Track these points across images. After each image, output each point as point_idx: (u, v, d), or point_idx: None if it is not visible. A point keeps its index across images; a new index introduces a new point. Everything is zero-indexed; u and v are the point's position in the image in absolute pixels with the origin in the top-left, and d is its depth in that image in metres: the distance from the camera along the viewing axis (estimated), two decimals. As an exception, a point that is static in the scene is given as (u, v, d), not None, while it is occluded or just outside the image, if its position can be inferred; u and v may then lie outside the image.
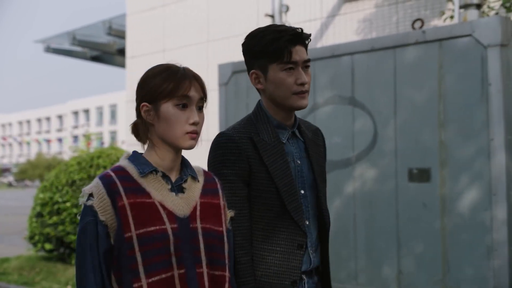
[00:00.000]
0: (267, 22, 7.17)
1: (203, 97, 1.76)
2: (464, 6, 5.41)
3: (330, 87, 5.88)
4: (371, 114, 5.51)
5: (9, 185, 60.73)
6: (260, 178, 1.99)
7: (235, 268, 1.95)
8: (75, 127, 67.27)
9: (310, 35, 2.08)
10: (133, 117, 1.81)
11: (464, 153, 5.03)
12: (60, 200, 7.66)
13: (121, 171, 1.71)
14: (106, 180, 1.67)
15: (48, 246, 7.85)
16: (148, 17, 10.69)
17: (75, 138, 66.00)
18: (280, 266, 1.99)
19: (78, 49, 15.07)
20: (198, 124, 1.73)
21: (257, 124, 2.05)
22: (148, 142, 1.77)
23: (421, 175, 5.27)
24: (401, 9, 7.30)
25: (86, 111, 67.40)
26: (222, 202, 1.86)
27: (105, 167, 7.88)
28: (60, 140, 71.46)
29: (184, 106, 1.70)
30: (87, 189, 1.68)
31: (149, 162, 1.73)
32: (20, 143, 76.98)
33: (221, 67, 6.87)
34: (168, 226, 1.66)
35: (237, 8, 9.03)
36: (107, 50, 14.50)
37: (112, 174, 1.69)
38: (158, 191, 1.70)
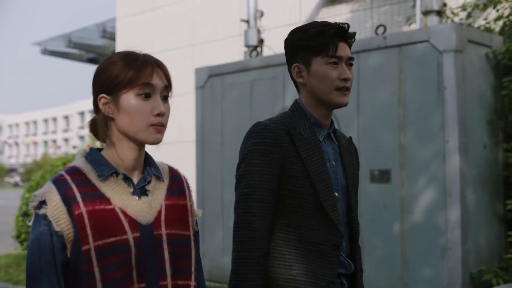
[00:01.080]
0: (244, 27, 7.36)
1: (168, 86, 1.58)
2: (425, 13, 5.57)
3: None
4: (336, 117, 5.68)
5: (15, 185, 61.25)
6: (295, 171, 1.88)
7: (237, 264, 1.86)
8: (81, 127, 67.69)
9: (355, 33, 2.00)
10: None
11: (421, 155, 5.19)
12: (44, 199, 7.88)
13: (77, 174, 1.52)
14: (60, 185, 1.49)
15: (33, 244, 8.09)
16: (137, 21, 10.91)
17: (81, 138, 66.48)
18: (316, 266, 1.88)
19: (74, 51, 15.31)
20: (164, 115, 1.55)
21: (295, 119, 1.97)
22: (107, 139, 1.57)
23: (382, 177, 5.44)
24: (375, 14, 7.47)
25: (92, 112, 67.76)
26: (189, 202, 1.69)
27: (89, 168, 8.09)
28: (66, 140, 71.93)
29: (147, 96, 1.52)
30: (38, 194, 1.50)
31: (109, 162, 1.55)
32: (27, 144, 77.51)
33: (198, 71, 7.08)
34: (129, 235, 1.50)
35: (220, 13, 9.22)
36: (102, 52, 14.73)
37: (67, 177, 1.51)
38: (119, 196, 1.53)
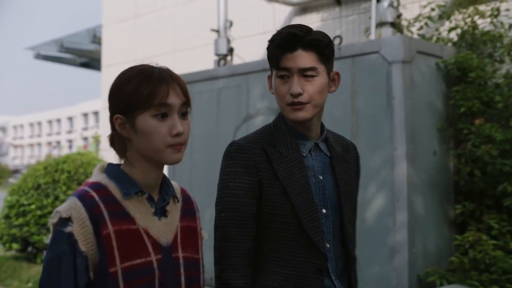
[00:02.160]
0: (215, 36, 7.59)
1: (186, 102, 1.50)
2: (380, 24, 5.79)
3: (261, 98, 6.30)
4: (294, 124, 5.92)
5: (19, 186, 61.68)
6: (272, 193, 1.80)
7: None
8: (85, 129, 68.13)
9: (312, 39, 1.81)
10: (108, 124, 1.61)
11: (373, 163, 5.41)
12: (25, 202, 8.14)
13: (102, 190, 1.45)
14: (88, 202, 1.41)
15: (15, 246, 8.34)
16: (122, 28, 11.18)
17: (85, 139, 66.89)
18: None
19: (67, 55, 15.59)
20: (183, 134, 1.48)
21: (276, 134, 1.87)
22: (126, 157, 1.53)
23: (337, 182, 5.66)
24: (344, 23, 7.68)
25: (96, 113, 68.21)
26: (198, 225, 1.66)
27: (69, 172, 8.34)
28: (70, 141, 72.37)
29: (163, 116, 1.45)
30: (63, 211, 1.41)
31: (133, 180, 1.49)
32: (31, 145, 78.02)
33: (170, 79, 7.31)
34: (153, 257, 1.46)
35: (199, 21, 9.46)
36: (94, 57, 15.00)
37: (94, 194, 1.43)
38: (142, 216, 1.48)
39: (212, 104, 6.81)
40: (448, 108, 5.70)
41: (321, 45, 1.80)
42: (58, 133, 75.16)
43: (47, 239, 1.44)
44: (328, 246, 1.85)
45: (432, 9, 6.25)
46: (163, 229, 1.51)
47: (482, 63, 5.55)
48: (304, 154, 1.87)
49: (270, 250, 1.82)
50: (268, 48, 1.84)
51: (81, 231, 1.39)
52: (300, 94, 1.79)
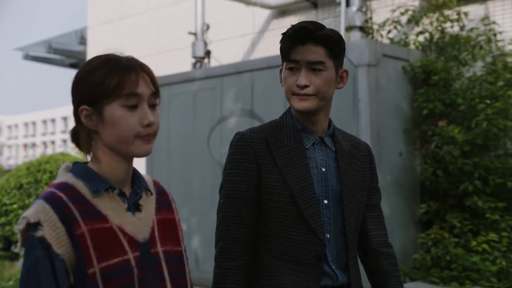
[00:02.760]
0: (191, 39, 7.74)
1: (155, 92, 1.43)
2: (348, 28, 5.95)
3: (234, 100, 6.45)
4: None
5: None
6: (271, 180, 1.84)
7: (216, 274, 1.83)
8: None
9: (322, 34, 1.83)
10: None
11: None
12: (8, 202, 8.27)
13: (69, 190, 1.37)
14: (56, 203, 1.33)
15: (-2, 245, 8.47)
16: (107, 30, 11.31)
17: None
18: (297, 276, 1.82)
19: (56, 56, 15.71)
20: (153, 124, 1.41)
21: (280, 127, 1.91)
22: (92, 153, 1.45)
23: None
24: (342, 22, 7.83)
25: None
26: (176, 216, 1.59)
27: (51, 172, 8.47)
28: (64, 141, 72.35)
29: (133, 107, 1.39)
30: (30, 215, 1.31)
31: (101, 176, 1.41)
32: (25, 145, 77.93)
33: (148, 81, 7.44)
34: (130, 255, 1.39)
35: (180, 23, 9.60)
36: (82, 58, 15.12)
37: (61, 194, 1.35)
38: (115, 213, 1.41)
39: (189, 105, 6.95)
40: (414, 110, 5.85)
41: (330, 41, 1.83)
42: (53, 133, 75.10)
43: (16, 249, 1.35)
44: (328, 236, 1.86)
45: (402, 13, 6.40)
46: (138, 224, 1.44)
47: (447, 66, 5.71)
48: (307, 147, 1.90)
49: (269, 236, 1.85)
50: (281, 41, 1.88)
51: (53, 234, 1.30)
52: (306, 86, 1.82)
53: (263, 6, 8.15)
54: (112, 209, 1.41)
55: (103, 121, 1.39)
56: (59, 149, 70.32)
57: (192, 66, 7.28)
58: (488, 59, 6.05)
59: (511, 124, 5.43)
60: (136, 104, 1.40)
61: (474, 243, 5.21)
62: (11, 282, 7.68)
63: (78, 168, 1.43)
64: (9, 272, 8.10)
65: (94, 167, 1.43)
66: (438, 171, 5.50)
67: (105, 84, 1.37)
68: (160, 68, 9.63)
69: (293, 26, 1.86)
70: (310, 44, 1.82)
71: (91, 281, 1.32)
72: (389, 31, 6.30)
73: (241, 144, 1.87)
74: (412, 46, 6.51)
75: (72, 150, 12.40)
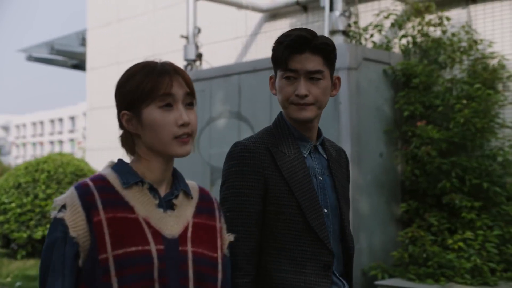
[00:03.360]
0: (179, 43, 7.93)
1: (190, 93, 1.51)
2: (332, 32, 6.12)
3: (223, 103, 6.64)
4: (252, 127, 6.25)
5: (21, 184, 62.16)
6: (278, 191, 1.82)
7: None
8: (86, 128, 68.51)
9: (322, 43, 1.85)
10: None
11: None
12: (6, 201, 8.49)
13: (100, 181, 1.47)
14: (82, 190, 1.43)
15: (-3, 242, 8.70)
16: (105, 32, 11.53)
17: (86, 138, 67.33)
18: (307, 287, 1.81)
19: (58, 57, 15.95)
20: (189, 124, 1.48)
21: (277, 135, 1.89)
22: (135, 153, 1.54)
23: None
24: (326, 26, 8.00)
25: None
26: (218, 224, 1.62)
27: (49, 171, 8.69)
28: (72, 140, 72.83)
29: (168, 106, 1.46)
30: (59, 199, 1.45)
31: (135, 171, 1.50)
32: (34, 144, 78.55)
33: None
34: (153, 247, 1.43)
35: (178, 26, 9.80)
36: (84, 59, 15.34)
37: (90, 183, 1.46)
38: (143, 206, 1.47)
39: (179, 107, 7.15)
40: (395, 112, 6.02)
41: (328, 50, 1.84)
42: (60, 132, 75.61)
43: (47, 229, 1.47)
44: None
45: (386, 17, 6.57)
46: (168, 220, 1.48)
47: (427, 69, 5.87)
48: (305, 155, 1.89)
49: (276, 248, 1.82)
50: (275, 49, 1.86)
51: (72, 218, 1.40)
52: (306, 96, 1.82)
53: (255, 9, 8.33)
54: (140, 202, 1.47)
55: (142, 124, 1.47)
56: (66, 148, 70.92)
57: (183, 68, 7.46)
58: (467, 62, 6.21)
59: (488, 124, 5.59)
60: (171, 104, 1.46)
61: (450, 241, 5.37)
62: (8, 279, 7.90)
63: (117, 164, 1.53)
64: (7, 269, 8.32)
65: (134, 164, 1.52)
66: (416, 171, 5.66)
67: (141, 88, 1.45)
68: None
69: (288, 34, 1.84)
70: (307, 53, 1.82)
71: (101, 266, 1.38)
72: (371, 35, 6.46)
73: (246, 155, 1.83)
74: (397, 50, 6.67)
75: (79, 150, 12.55)
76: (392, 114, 6.01)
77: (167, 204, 1.51)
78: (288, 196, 1.82)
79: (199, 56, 7.54)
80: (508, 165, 5.83)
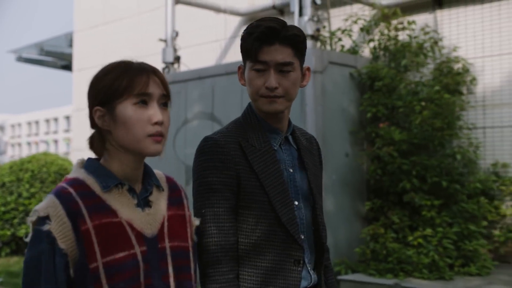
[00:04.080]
0: (162, 45, 8.15)
1: (166, 94, 1.49)
2: (301, 37, 6.34)
3: (197, 104, 6.86)
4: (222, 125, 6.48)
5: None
6: (250, 186, 1.79)
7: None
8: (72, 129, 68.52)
9: (291, 34, 1.80)
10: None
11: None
12: (-10, 199, 8.70)
13: (80, 186, 1.43)
14: (64, 198, 1.39)
15: (-18, 240, 8.90)
16: (92, 34, 11.74)
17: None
18: (276, 285, 1.79)
19: (48, 58, 16.15)
20: (163, 124, 1.46)
21: (247, 128, 1.86)
22: (105, 152, 1.50)
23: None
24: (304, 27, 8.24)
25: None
26: (187, 212, 1.63)
27: (33, 171, 8.89)
28: (68, 139, 72.86)
29: (143, 103, 1.45)
30: (40, 209, 1.38)
31: (112, 173, 1.48)
32: (29, 143, 78.55)
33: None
34: (137, 250, 1.43)
35: (161, 28, 10.03)
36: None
37: (71, 190, 1.41)
38: (124, 208, 1.45)
39: (157, 108, 7.38)
40: (361, 114, 6.25)
41: (298, 41, 1.80)
42: (56, 132, 75.65)
43: (27, 238, 1.40)
44: (302, 237, 1.84)
45: (354, 22, 6.80)
46: (147, 219, 1.48)
47: (391, 72, 6.10)
48: (275, 148, 1.86)
49: (246, 244, 1.80)
50: (244, 40, 1.82)
51: (59, 229, 1.36)
52: (276, 88, 1.78)
53: (233, 13, 8.56)
54: (121, 204, 1.45)
55: (115, 120, 1.44)
56: (61, 147, 70.99)
57: (161, 71, 7.69)
58: (432, 66, 6.45)
59: (448, 125, 5.83)
60: (146, 101, 1.44)
61: (410, 237, 5.61)
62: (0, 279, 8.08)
63: (90, 165, 1.49)
64: (-6, 266, 8.51)
65: (105, 164, 1.49)
66: (379, 170, 5.90)
67: (116, 84, 1.43)
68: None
69: (257, 25, 1.80)
70: (277, 45, 1.78)
71: (92, 274, 1.37)
72: (339, 39, 6.69)
73: (217, 150, 1.80)
74: (366, 53, 6.90)
75: (76, 151, 12.77)
76: (358, 116, 6.24)
77: (143, 202, 1.51)
78: (259, 192, 1.79)
79: (177, 59, 7.76)
80: (469, 164, 6.09)
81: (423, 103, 5.77)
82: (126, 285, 1.39)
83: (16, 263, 8.39)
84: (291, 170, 1.87)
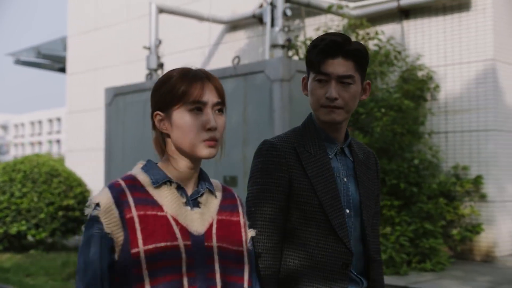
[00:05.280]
0: (141, 54, 8.56)
1: (220, 101, 1.58)
2: (273, 46, 6.75)
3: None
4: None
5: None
6: (301, 190, 1.87)
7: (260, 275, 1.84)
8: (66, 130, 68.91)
9: (353, 49, 1.88)
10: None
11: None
12: (-16, 199, 9.11)
13: (131, 180, 1.56)
14: (115, 189, 1.52)
15: (-25, 237, 9.32)
16: (84, 39, 12.17)
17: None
18: (324, 285, 1.85)
19: (45, 61, 16.59)
20: (217, 129, 1.55)
21: (305, 136, 1.94)
22: (165, 153, 1.61)
23: (232, 181, 6.64)
24: (267, 40, 8.63)
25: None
26: (242, 219, 1.69)
27: (25, 171, 9.31)
28: (70, 140, 73.21)
29: (198, 109, 1.54)
30: (94, 198, 1.53)
31: (164, 172, 1.58)
32: (32, 143, 79.14)
33: (106, 91, 8.31)
34: (180, 242, 1.51)
35: (146, 34, 10.45)
36: (69, 63, 15.97)
37: (122, 183, 1.54)
38: (171, 204, 1.55)
39: (140, 113, 7.79)
40: (328, 119, 6.64)
41: (359, 55, 1.89)
42: (58, 132, 76.21)
43: (84, 226, 1.55)
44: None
45: (325, 31, 7.19)
46: (194, 218, 1.56)
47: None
48: (330, 156, 1.93)
49: (297, 244, 1.87)
50: (309, 52, 1.91)
51: (107, 215, 1.49)
52: (336, 99, 1.86)
53: (215, 21, 8.95)
54: (169, 200, 1.54)
55: (172, 124, 1.54)
56: (64, 147, 71.38)
57: (145, 77, 8.10)
58: (397, 74, 6.84)
59: (408, 130, 6.21)
60: (201, 108, 1.53)
61: (370, 235, 5.99)
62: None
63: (147, 165, 1.60)
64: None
65: (162, 164, 1.60)
66: (342, 172, 6.29)
67: (173, 92, 1.53)
68: (130, 77, 10.47)
69: (323, 38, 1.89)
70: (340, 58, 1.86)
71: (134, 259, 1.46)
72: (305, 49, 7.09)
73: (272, 153, 1.88)
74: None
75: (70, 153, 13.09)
76: (325, 121, 6.63)
77: (193, 202, 1.58)
78: (310, 195, 1.86)
79: (161, 65, 8.16)
80: (430, 167, 6.48)
81: (383, 110, 6.16)
82: (165, 273, 1.47)
83: (8, 259, 8.79)
84: (345, 180, 1.94)
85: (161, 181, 1.55)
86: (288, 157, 1.87)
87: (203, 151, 1.53)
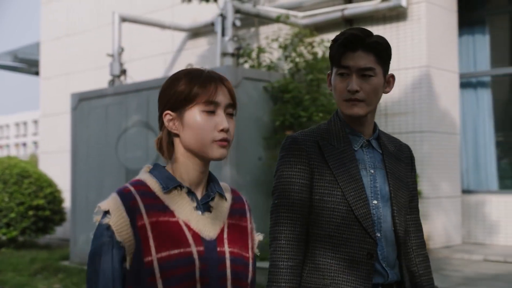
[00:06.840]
0: (109, 60, 9.01)
1: (232, 103, 1.56)
2: (223, 54, 7.24)
3: (136, 113, 7.74)
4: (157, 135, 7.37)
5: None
6: (323, 181, 1.89)
7: (270, 273, 1.88)
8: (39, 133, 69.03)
9: (372, 41, 1.89)
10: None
11: (212, 169, 6.82)
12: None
13: (141, 186, 1.52)
14: (125, 196, 1.49)
15: None
16: (56, 45, 12.59)
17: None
18: (349, 275, 1.86)
19: (21, 65, 16.96)
20: (228, 131, 1.53)
21: (329, 130, 1.97)
22: (172, 156, 1.57)
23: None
24: (218, 49, 9.13)
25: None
26: (249, 225, 1.68)
27: (-5, 173, 9.72)
28: (55, 141, 73.19)
29: (211, 110, 1.51)
30: (103, 204, 1.49)
31: (173, 176, 1.55)
32: (17, 145, 79.03)
33: (72, 96, 8.75)
34: (193, 249, 1.49)
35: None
36: (46, 67, 16.34)
37: (132, 188, 1.51)
38: (182, 209, 1.52)
39: (102, 117, 8.25)
40: (273, 122, 7.15)
41: (380, 48, 1.89)
42: (25, 135, 76.05)
43: (91, 234, 1.52)
44: (379, 235, 1.90)
45: (273, 40, 7.69)
46: (206, 223, 1.53)
47: (298, 86, 6.99)
48: (356, 149, 1.94)
49: (321, 235, 1.89)
50: (331, 48, 1.94)
51: (118, 223, 1.45)
52: (357, 92, 1.87)
53: (177, 29, 9.43)
54: (179, 206, 1.51)
55: (183, 124, 1.51)
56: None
57: (108, 83, 8.56)
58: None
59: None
60: (214, 110, 1.51)
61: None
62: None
63: (155, 169, 1.57)
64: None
65: (169, 169, 1.56)
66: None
67: (187, 91, 1.50)
68: (98, 82, 10.91)
69: (343, 33, 1.91)
70: (360, 51, 1.87)
71: (147, 268, 1.43)
72: (257, 57, 7.59)
73: (293, 146, 1.92)
74: (289, 66, 7.78)
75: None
76: (271, 124, 7.14)
77: (204, 207, 1.56)
78: (333, 186, 1.88)
79: (123, 72, 8.63)
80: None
81: (320, 115, 6.66)
82: (179, 281, 1.45)
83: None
84: (372, 171, 1.95)
85: (172, 186, 1.52)
86: (309, 150, 1.91)
87: (216, 152, 1.51)
